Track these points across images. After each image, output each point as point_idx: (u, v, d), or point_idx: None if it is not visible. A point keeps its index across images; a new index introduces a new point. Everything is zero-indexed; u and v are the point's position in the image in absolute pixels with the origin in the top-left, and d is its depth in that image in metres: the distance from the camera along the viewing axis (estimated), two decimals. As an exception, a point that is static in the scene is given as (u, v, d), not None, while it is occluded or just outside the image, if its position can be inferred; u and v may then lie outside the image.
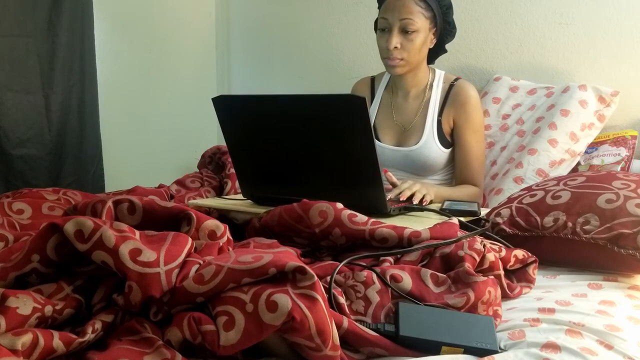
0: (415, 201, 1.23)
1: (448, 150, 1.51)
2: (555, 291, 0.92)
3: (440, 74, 1.55)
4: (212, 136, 2.41)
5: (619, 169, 1.49)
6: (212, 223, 0.84)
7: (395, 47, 1.41)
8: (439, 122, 1.50)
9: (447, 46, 1.55)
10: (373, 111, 1.61)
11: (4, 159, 1.67)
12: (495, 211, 1.15)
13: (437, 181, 1.54)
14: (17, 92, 1.67)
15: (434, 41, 1.48)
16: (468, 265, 0.84)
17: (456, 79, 1.53)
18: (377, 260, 0.89)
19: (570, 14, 1.69)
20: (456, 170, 1.53)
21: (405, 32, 1.40)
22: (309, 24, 2.27)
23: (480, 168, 1.52)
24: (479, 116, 1.51)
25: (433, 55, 1.55)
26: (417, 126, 1.52)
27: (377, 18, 1.48)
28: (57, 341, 0.60)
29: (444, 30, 1.48)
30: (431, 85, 1.53)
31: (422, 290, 0.81)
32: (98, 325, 0.65)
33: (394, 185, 1.34)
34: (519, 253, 0.97)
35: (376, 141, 1.54)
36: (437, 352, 0.70)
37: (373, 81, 1.67)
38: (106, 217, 0.80)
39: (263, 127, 1.10)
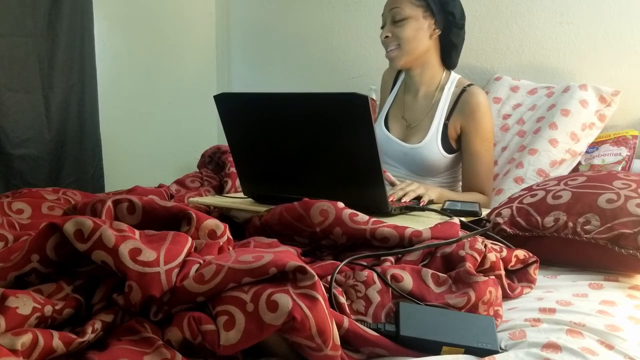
0: (406, 199, 1.23)
1: (450, 156, 1.50)
2: (556, 291, 0.92)
3: (454, 78, 1.54)
4: (212, 136, 2.41)
5: (619, 168, 1.49)
6: (212, 222, 0.84)
7: (387, 37, 1.47)
8: (445, 126, 1.49)
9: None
10: (389, 101, 1.64)
11: (4, 159, 1.66)
12: (496, 211, 1.15)
13: (436, 184, 1.53)
14: (17, 91, 1.67)
15: (437, 32, 1.47)
16: (469, 265, 0.84)
17: (469, 85, 1.50)
18: (378, 259, 0.88)
19: (571, 14, 1.69)
20: (464, 178, 1.51)
21: (395, 22, 1.45)
22: (310, 23, 2.27)
23: (489, 176, 1.49)
24: (489, 124, 1.47)
25: (446, 54, 1.52)
26: (423, 126, 1.52)
27: None
28: (57, 341, 0.60)
29: (448, 21, 1.47)
30: (442, 88, 1.52)
31: (423, 290, 0.80)
32: (98, 325, 0.65)
33: (393, 185, 1.34)
34: (520, 253, 0.97)
35: (385, 131, 1.57)
36: (437, 352, 0.70)
37: (400, 71, 1.68)
38: (106, 217, 0.80)
39: (264, 125, 1.10)
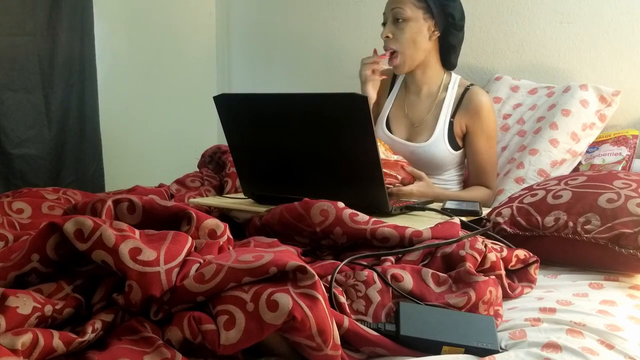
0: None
1: (457, 153, 1.51)
2: (556, 291, 0.92)
3: (456, 78, 1.56)
4: (212, 136, 2.41)
5: (620, 168, 1.48)
6: (212, 222, 0.84)
7: (387, 37, 1.46)
8: (451, 124, 1.50)
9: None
10: (389, 103, 1.63)
11: (4, 159, 1.66)
12: (496, 211, 1.15)
13: (443, 181, 1.54)
14: (16, 91, 1.67)
15: (437, 34, 1.47)
16: (469, 265, 0.84)
17: (471, 85, 1.53)
18: (378, 259, 0.88)
19: (572, 13, 1.69)
20: (470, 175, 1.53)
21: (396, 21, 1.45)
22: (310, 23, 2.26)
23: (493, 172, 1.53)
24: (493, 122, 1.51)
25: (445, 55, 1.53)
26: (428, 124, 1.52)
27: None
28: (57, 341, 0.60)
29: (448, 23, 1.47)
30: (446, 87, 1.54)
31: (423, 289, 0.80)
32: (98, 324, 0.65)
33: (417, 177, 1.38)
34: (521, 253, 0.96)
35: (387, 133, 1.57)
36: (437, 351, 0.70)
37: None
38: (106, 217, 0.80)
39: (264, 126, 1.10)
